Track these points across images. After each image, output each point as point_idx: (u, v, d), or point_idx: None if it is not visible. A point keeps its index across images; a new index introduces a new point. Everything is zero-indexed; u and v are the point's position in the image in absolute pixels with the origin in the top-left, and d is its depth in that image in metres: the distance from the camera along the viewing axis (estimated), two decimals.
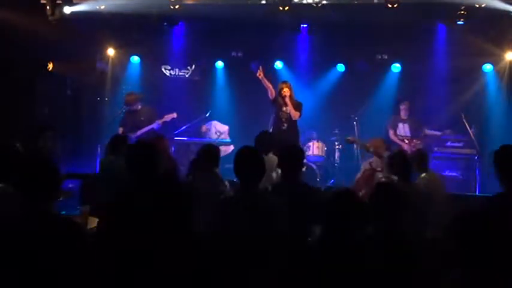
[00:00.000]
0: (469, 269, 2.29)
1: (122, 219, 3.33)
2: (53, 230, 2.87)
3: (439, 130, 9.08)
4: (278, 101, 7.73)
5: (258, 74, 7.75)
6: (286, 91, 7.62)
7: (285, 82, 7.90)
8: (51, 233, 2.85)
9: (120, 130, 8.39)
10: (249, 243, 3.41)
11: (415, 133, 8.96)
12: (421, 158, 5.81)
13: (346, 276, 2.63)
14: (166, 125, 8.82)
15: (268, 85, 7.79)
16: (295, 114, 7.61)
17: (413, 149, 8.15)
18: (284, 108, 7.68)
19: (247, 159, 3.68)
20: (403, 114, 9.08)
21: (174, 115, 8.72)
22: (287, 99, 7.60)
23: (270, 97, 7.79)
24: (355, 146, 8.80)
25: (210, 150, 5.17)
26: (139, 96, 8.66)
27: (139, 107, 8.53)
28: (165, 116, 8.60)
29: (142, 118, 8.47)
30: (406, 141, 8.87)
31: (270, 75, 9.99)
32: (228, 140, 9.55)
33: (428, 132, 9.03)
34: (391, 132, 9.05)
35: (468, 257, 2.31)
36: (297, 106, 7.67)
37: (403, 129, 9.05)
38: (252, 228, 3.44)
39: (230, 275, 3.18)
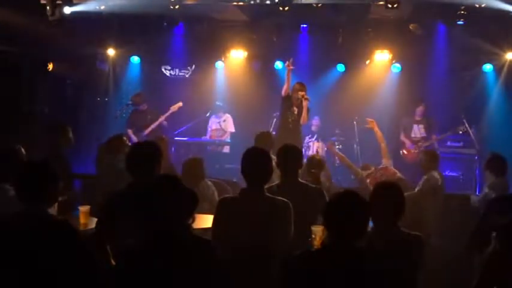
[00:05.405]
0: None
1: (122, 219, 3.33)
2: (46, 231, 2.87)
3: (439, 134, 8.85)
4: (289, 100, 7.46)
5: (286, 65, 7.58)
6: (305, 94, 7.33)
7: (303, 85, 7.52)
8: (44, 234, 2.85)
9: (130, 131, 8.71)
10: (256, 243, 3.40)
11: (429, 135, 8.78)
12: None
13: (348, 277, 2.63)
14: (169, 123, 8.97)
15: (289, 81, 7.52)
16: (305, 119, 7.42)
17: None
18: (292, 109, 7.43)
19: (256, 159, 3.63)
20: (418, 115, 8.86)
21: (180, 104, 8.85)
22: (305, 103, 7.31)
23: (283, 93, 7.51)
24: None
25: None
26: (145, 97, 8.95)
27: (146, 106, 8.85)
28: (171, 108, 8.83)
29: (149, 117, 8.82)
30: (420, 144, 8.66)
31: (270, 75, 10.03)
32: (228, 140, 9.55)
33: (436, 138, 8.79)
34: (402, 135, 8.89)
35: None
36: (308, 112, 7.45)
37: (419, 130, 8.84)
38: (259, 229, 3.43)
39: (235, 275, 3.18)
